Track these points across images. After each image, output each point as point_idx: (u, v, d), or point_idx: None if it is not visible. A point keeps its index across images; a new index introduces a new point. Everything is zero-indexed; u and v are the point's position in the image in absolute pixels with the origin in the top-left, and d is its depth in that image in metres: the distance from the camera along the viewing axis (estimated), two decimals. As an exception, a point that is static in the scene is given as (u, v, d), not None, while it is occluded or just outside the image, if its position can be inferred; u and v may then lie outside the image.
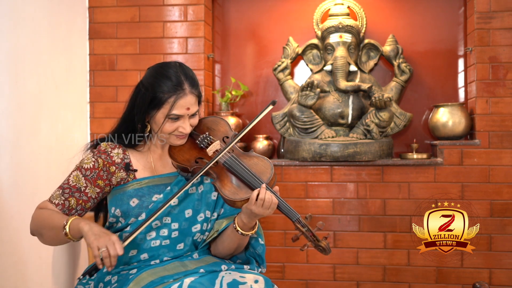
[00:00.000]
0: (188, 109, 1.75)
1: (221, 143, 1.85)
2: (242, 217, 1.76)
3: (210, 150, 1.81)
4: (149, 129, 1.83)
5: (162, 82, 1.74)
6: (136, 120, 1.79)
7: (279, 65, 3.39)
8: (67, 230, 1.63)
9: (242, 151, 1.86)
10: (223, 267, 1.77)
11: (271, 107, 1.79)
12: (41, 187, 2.64)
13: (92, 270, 1.61)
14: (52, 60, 2.84)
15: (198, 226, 1.84)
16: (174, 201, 1.81)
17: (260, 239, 1.91)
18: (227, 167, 1.78)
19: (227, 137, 1.87)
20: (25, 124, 2.54)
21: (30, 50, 2.61)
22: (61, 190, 1.76)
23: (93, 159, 1.78)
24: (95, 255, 1.54)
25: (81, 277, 1.63)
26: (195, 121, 1.81)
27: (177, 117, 1.75)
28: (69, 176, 1.78)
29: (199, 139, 1.84)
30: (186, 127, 1.77)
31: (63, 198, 1.74)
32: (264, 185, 1.72)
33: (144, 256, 1.79)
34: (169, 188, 1.81)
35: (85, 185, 1.75)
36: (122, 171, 1.80)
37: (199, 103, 1.82)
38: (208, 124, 1.92)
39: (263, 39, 3.57)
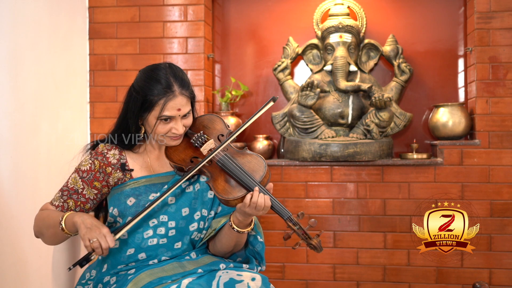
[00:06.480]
0: (179, 110, 1.76)
1: (216, 142, 1.85)
2: (237, 215, 1.77)
3: (204, 149, 1.82)
4: (143, 131, 1.85)
5: (152, 85, 1.75)
6: (130, 124, 1.82)
7: (279, 65, 3.39)
8: (63, 225, 1.69)
9: (237, 149, 1.86)
10: (222, 266, 1.78)
11: (271, 103, 1.78)
12: (41, 187, 2.64)
13: (83, 260, 1.63)
14: (52, 60, 2.84)
15: (195, 225, 1.84)
16: (171, 200, 1.82)
17: (259, 237, 1.91)
18: (220, 165, 1.78)
19: (222, 135, 1.88)
20: (25, 124, 2.54)
21: (30, 50, 2.61)
22: (60, 193, 1.83)
23: (90, 161, 1.83)
24: (86, 245, 1.59)
25: (71, 267, 1.65)
26: (188, 121, 1.82)
27: (169, 119, 1.77)
28: (69, 178, 1.85)
29: (194, 138, 1.85)
30: (178, 128, 1.79)
31: (62, 200, 1.82)
32: (257, 188, 1.71)
33: (142, 255, 1.80)
34: (166, 186, 1.82)
35: (82, 186, 1.81)
36: (118, 171, 1.83)
37: (193, 103, 1.84)
38: (204, 122, 1.93)
39: (263, 39, 3.57)
